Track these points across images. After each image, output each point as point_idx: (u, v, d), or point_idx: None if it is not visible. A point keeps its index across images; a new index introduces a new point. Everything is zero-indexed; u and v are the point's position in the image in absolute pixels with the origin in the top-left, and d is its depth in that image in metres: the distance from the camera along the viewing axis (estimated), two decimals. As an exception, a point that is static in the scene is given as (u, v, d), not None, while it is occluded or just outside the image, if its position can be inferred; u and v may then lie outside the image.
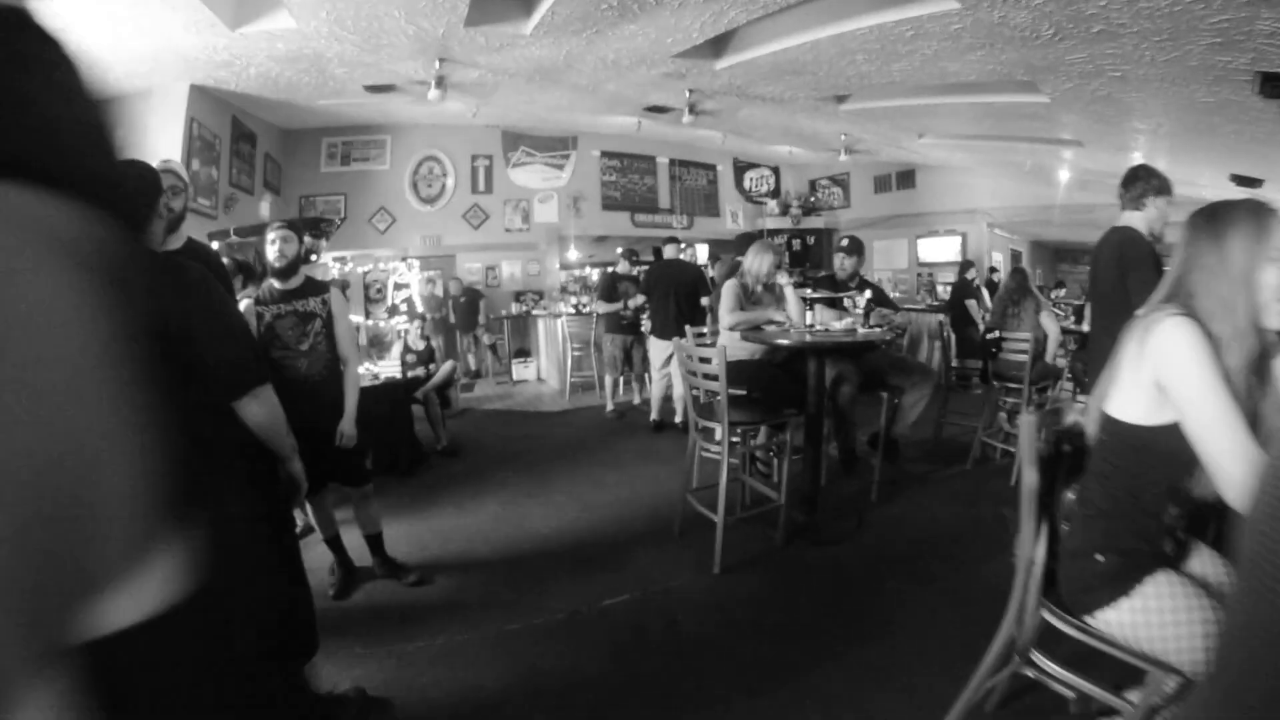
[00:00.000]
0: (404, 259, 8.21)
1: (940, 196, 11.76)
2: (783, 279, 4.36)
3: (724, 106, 8.24)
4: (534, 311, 10.59)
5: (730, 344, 4.05)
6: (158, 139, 7.16)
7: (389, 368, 5.98)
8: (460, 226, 11.15)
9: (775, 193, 13.53)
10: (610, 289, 7.37)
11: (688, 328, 5.15)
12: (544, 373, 10.30)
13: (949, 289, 10.61)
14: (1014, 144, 8.27)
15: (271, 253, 3.29)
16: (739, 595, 3.37)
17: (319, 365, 3.34)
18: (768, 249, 4.52)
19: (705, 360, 3.66)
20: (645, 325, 7.49)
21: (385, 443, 5.55)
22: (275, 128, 9.61)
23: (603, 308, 7.41)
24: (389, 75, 7.34)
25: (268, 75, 7.16)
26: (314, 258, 6.92)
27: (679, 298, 6.56)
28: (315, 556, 3.72)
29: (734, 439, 3.69)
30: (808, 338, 3.79)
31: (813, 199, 13.52)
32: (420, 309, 9.16)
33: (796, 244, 12.96)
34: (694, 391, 4.02)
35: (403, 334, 7.13)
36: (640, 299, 6.92)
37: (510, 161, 11.36)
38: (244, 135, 8.55)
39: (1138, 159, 7.91)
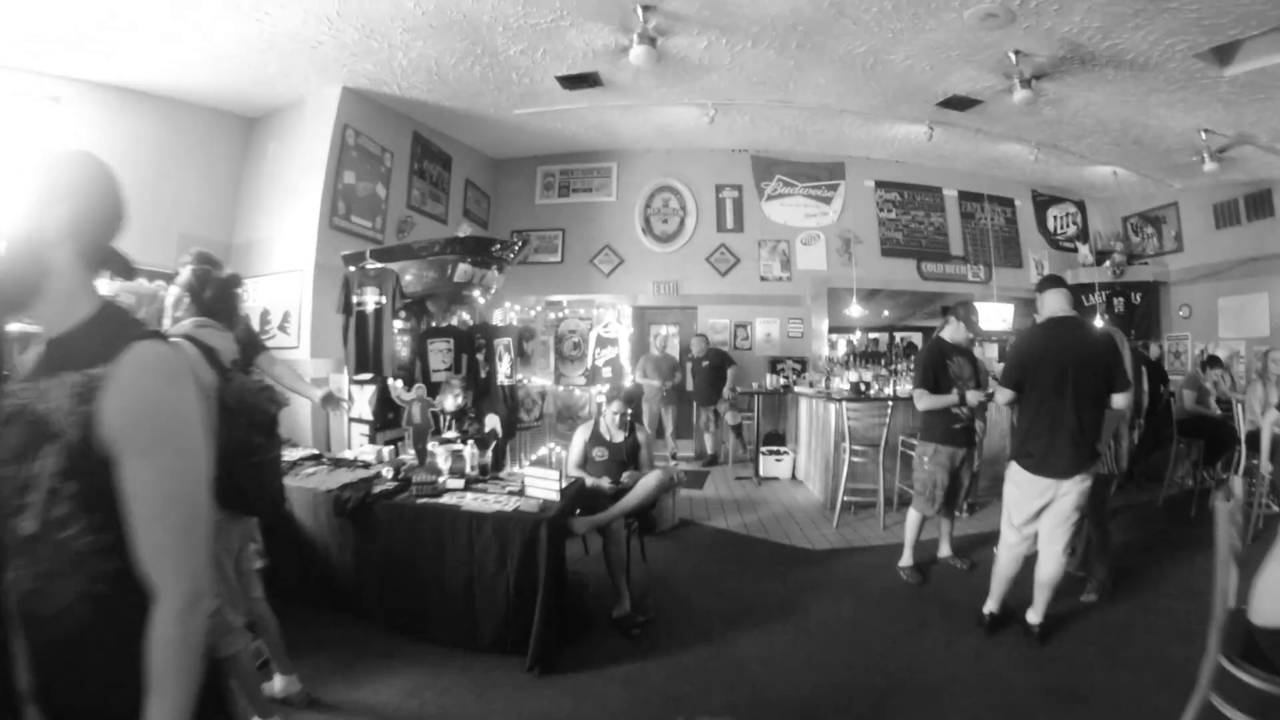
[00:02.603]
0: (613, 307, 5.93)
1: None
2: None
3: (1057, 89, 5.93)
4: (797, 388, 7.72)
5: None
6: (306, 148, 6.10)
7: (541, 485, 3.44)
8: (703, 272, 8.91)
9: (1083, 235, 9.87)
10: (937, 368, 4.33)
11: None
12: (802, 471, 7.41)
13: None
14: None
15: None
16: None
17: (61, 589, 0.91)
18: None
19: None
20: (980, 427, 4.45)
21: (505, 610, 3.13)
22: (480, 154, 8.65)
23: (925, 401, 4.32)
24: (580, 51, 5.55)
25: (424, 65, 5.87)
26: (478, 295, 4.85)
27: (1081, 391, 3.35)
28: None
29: None
30: None
31: (1137, 241, 9.56)
32: (635, 374, 6.88)
33: (1119, 303, 9.39)
34: None
35: (598, 411, 4.76)
36: (1002, 393, 3.71)
37: (764, 193, 9.01)
38: (432, 155, 7.54)
39: None
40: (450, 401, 4.53)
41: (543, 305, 6.60)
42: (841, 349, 8.97)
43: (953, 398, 4.23)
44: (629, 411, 4.35)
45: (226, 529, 2.35)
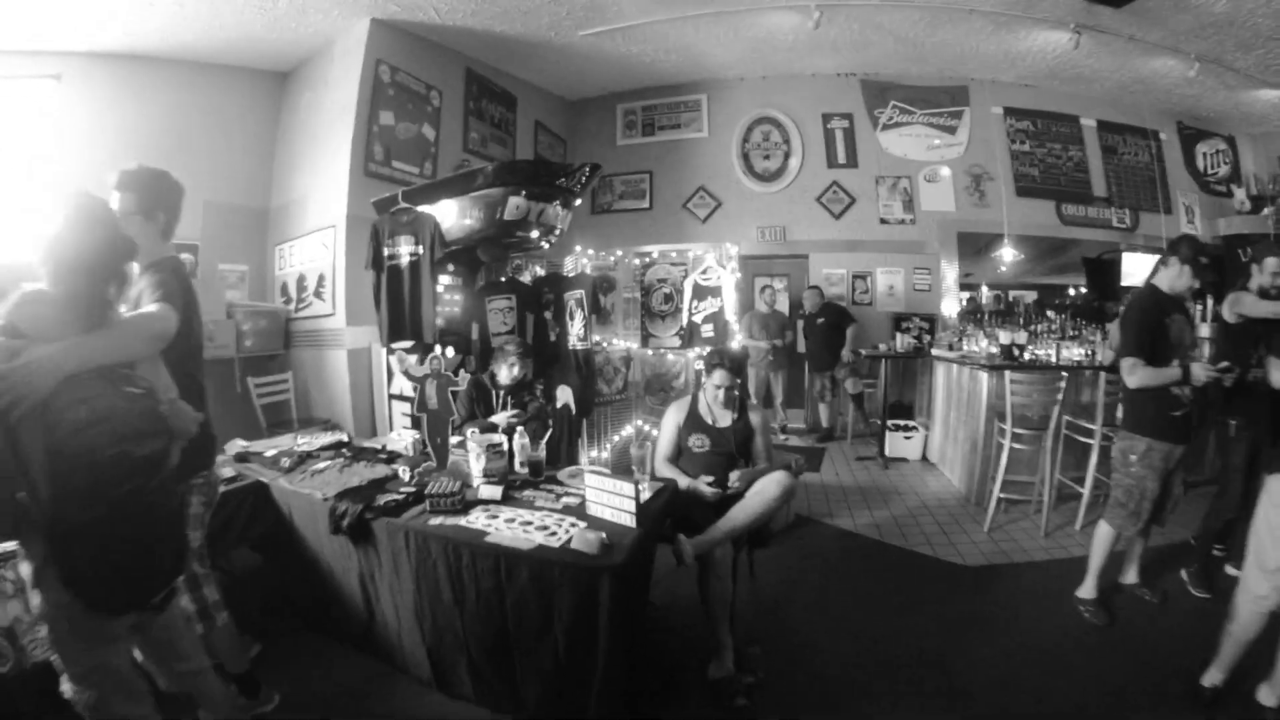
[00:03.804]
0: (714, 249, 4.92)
1: None
2: None
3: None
4: (934, 351, 6.36)
5: None
6: (336, 92, 5.36)
7: (610, 503, 2.39)
8: (814, 214, 7.66)
9: (1234, 176, 7.99)
10: (1154, 330, 3.02)
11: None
12: (935, 452, 6.19)
13: None
14: None
15: None
16: None
17: None
18: None
19: None
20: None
21: (555, 676, 2.22)
22: (549, 94, 7.84)
23: (1140, 375, 2.99)
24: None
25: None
26: (535, 235, 3.88)
27: None
28: None
29: None
30: None
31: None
32: (739, 334, 5.76)
33: (1280, 260, 7.37)
34: None
35: (697, 383, 3.73)
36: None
37: (878, 122, 7.65)
38: (492, 94, 6.80)
39: None
40: (505, 373, 3.62)
41: (628, 256, 5.61)
42: (958, 306, 7.63)
43: (1175, 372, 2.95)
44: (738, 384, 3.27)
45: (97, 625, 1.54)
